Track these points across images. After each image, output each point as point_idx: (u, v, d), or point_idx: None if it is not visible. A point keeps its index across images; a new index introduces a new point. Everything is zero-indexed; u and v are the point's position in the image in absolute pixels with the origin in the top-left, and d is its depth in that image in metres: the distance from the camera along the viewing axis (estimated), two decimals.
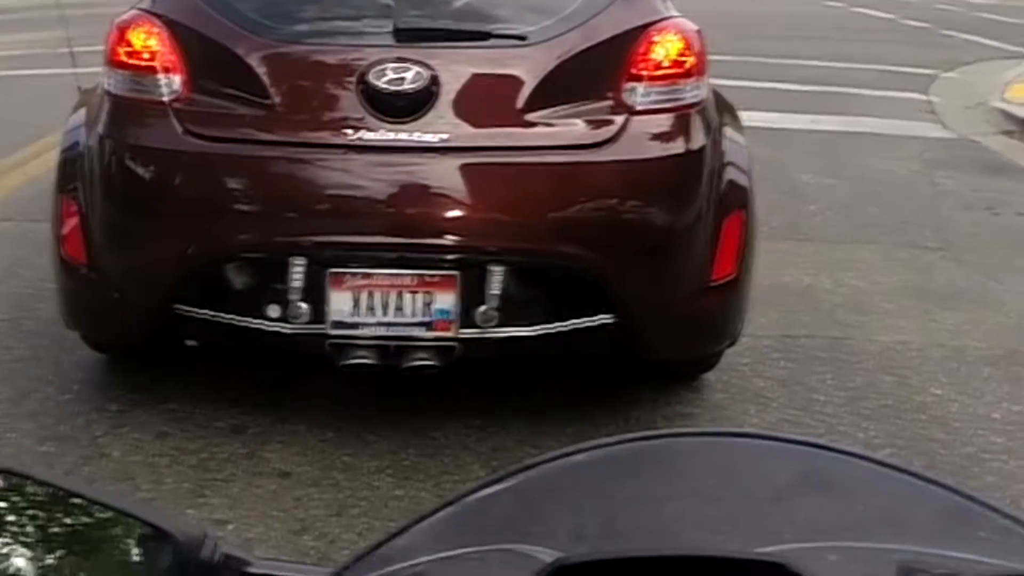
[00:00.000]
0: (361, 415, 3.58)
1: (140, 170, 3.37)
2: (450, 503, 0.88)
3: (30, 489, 1.11)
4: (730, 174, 3.47)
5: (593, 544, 0.84)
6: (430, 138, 3.21)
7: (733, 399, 3.78)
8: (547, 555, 0.79)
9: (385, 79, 3.23)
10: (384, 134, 3.21)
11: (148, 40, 3.35)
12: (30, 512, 1.11)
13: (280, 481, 3.21)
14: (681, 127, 3.35)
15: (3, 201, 5.97)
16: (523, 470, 0.91)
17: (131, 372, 3.85)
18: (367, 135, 3.21)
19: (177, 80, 3.32)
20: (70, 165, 3.51)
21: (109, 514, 1.08)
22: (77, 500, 1.09)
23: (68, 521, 1.11)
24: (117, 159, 3.38)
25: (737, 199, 3.47)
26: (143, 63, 3.35)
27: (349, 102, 3.24)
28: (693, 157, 3.36)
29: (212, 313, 3.30)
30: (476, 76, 3.34)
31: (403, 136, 3.21)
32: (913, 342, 4.31)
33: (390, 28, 3.33)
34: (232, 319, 3.28)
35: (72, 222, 3.44)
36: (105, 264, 3.40)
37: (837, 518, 0.87)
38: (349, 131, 3.22)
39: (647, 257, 3.32)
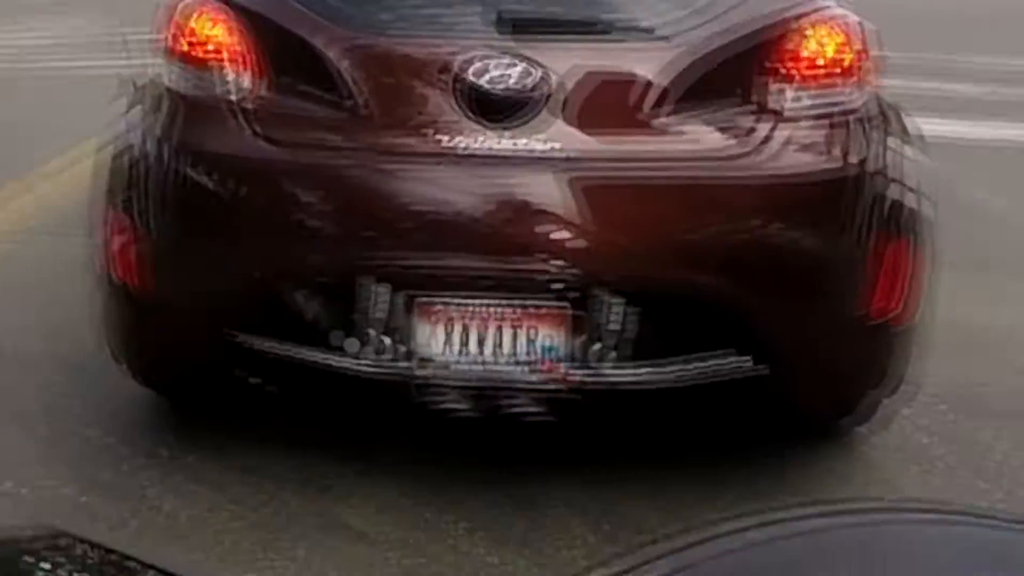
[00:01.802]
0: (449, 468, 3.60)
1: (203, 179, 3.43)
2: None
3: (80, 551, 1.15)
4: (896, 193, 3.43)
5: None
6: (539, 147, 3.23)
7: (892, 457, 3.75)
8: None
9: (486, 77, 3.25)
10: (484, 141, 3.24)
11: (214, 29, 3.43)
12: None
13: (355, 543, 3.25)
14: (838, 137, 3.34)
15: (36, 214, 6.11)
16: (667, 553, 0.90)
17: (184, 413, 3.92)
18: (464, 142, 3.24)
19: (247, 76, 3.39)
20: (122, 173, 3.58)
21: None
22: (132, 564, 1.12)
23: None
24: (176, 166, 3.44)
25: (904, 223, 3.43)
26: (208, 56, 3.42)
27: (443, 104, 3.27)
28: (852, 172, 3.33)
29: (279, 346, 3.35)
30: (594, 75, 3.34)
31: (507, 144, 3.23)
32: None
33: (493, 17, 3.35)
34: (302, 353, 3.33)
35: (123, 239, 3.52)
36: (159, 287, 3.47)
37: None
38: (443, 137, 3.25)
39: (794, 289, 3.31)
